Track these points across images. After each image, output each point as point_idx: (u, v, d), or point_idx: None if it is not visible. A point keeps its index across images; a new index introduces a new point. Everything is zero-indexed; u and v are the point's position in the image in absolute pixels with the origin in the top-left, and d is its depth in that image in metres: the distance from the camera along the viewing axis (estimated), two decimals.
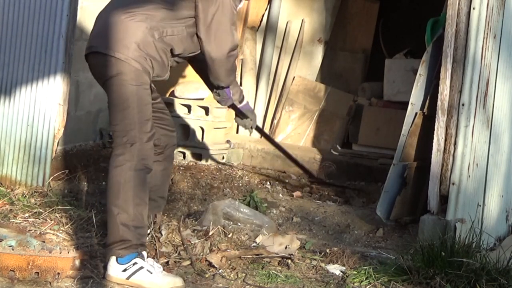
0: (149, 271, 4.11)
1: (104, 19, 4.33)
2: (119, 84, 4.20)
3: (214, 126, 6.59)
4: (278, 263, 4.59)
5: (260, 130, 5.86)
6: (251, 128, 5.16)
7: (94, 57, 4.31)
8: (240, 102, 4.94)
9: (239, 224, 4.96)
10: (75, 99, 6.28)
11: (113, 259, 4.13)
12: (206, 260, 4.49)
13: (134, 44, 4.18)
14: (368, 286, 4.35)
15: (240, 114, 5.04)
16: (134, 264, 4.11)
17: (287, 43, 7.37)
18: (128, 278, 4.10)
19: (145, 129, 4.23)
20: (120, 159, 4.19)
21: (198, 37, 4.35)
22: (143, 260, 4.15)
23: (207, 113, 6.57)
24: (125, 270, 4.11)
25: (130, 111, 4.20)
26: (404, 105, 5.58)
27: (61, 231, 4.77)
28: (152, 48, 4.22)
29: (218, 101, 4.78)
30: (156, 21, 4.23)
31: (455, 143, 4.89)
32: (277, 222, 5.34)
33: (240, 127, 7.13)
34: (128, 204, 4.15)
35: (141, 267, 4.11)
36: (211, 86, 4.67)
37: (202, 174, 6.15)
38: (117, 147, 4.23)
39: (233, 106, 4.93)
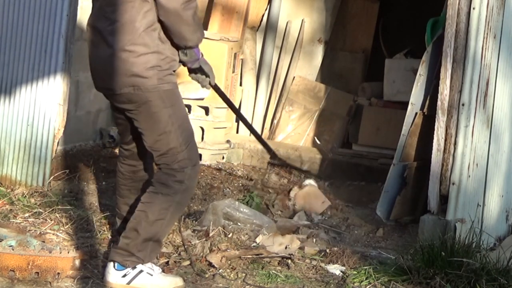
0: (149, 274, 4.09)
1: (101, 56, 4.05)
2: (152, 111, 4.03)
3: (214, 126, 6.59)
4: (278, 263, 4.59)
5: (216, 88, 4.95)
6: (209, 84, 4.50)
7: (112, 97, 4.13)
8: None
9: (239, 224, 4.96)
10: (75, 99, 6.28)
11: (111, 265, 4.09)
12: (206, 260, 4.49)
13: (152, 71, 3.97)
14: (368, 286, 4.35)
15: (196, 69, 4.37)
16: (133, 268, 4.08)
17: (287, 43, 7.36)
18: (129, 283, 4.07)
19: (189, 144, 4.08)
20: (172, 180, 4.06)
21: None
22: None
23: (207, 113, 6.57)
24: (125, 275, 4.07)
25: (172, 135, 4.05)
26: (404, 105, 5.58)
27: (61, 231, 4.77)
28: (168, 59, 4.04)
29: (184, 61, 4.23)
30: (151, 32, 3.97)
31: (455, 143, 4.89)
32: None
33: (240, 127, 7.16)
34: (161, 226, 4.09)
35: (141, 271, 4.09)
36: (178, 46, 4.15)
37: (202, 174, 6.15)
38: (167, 169, 4.08)
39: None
